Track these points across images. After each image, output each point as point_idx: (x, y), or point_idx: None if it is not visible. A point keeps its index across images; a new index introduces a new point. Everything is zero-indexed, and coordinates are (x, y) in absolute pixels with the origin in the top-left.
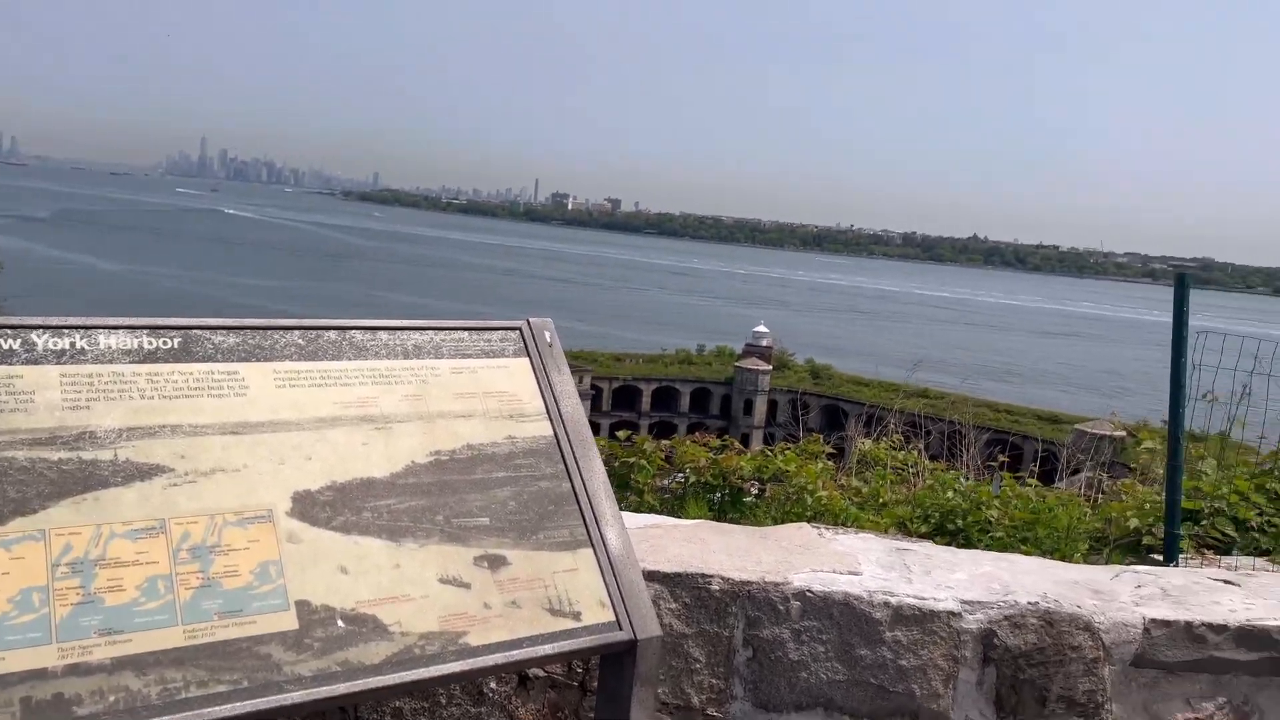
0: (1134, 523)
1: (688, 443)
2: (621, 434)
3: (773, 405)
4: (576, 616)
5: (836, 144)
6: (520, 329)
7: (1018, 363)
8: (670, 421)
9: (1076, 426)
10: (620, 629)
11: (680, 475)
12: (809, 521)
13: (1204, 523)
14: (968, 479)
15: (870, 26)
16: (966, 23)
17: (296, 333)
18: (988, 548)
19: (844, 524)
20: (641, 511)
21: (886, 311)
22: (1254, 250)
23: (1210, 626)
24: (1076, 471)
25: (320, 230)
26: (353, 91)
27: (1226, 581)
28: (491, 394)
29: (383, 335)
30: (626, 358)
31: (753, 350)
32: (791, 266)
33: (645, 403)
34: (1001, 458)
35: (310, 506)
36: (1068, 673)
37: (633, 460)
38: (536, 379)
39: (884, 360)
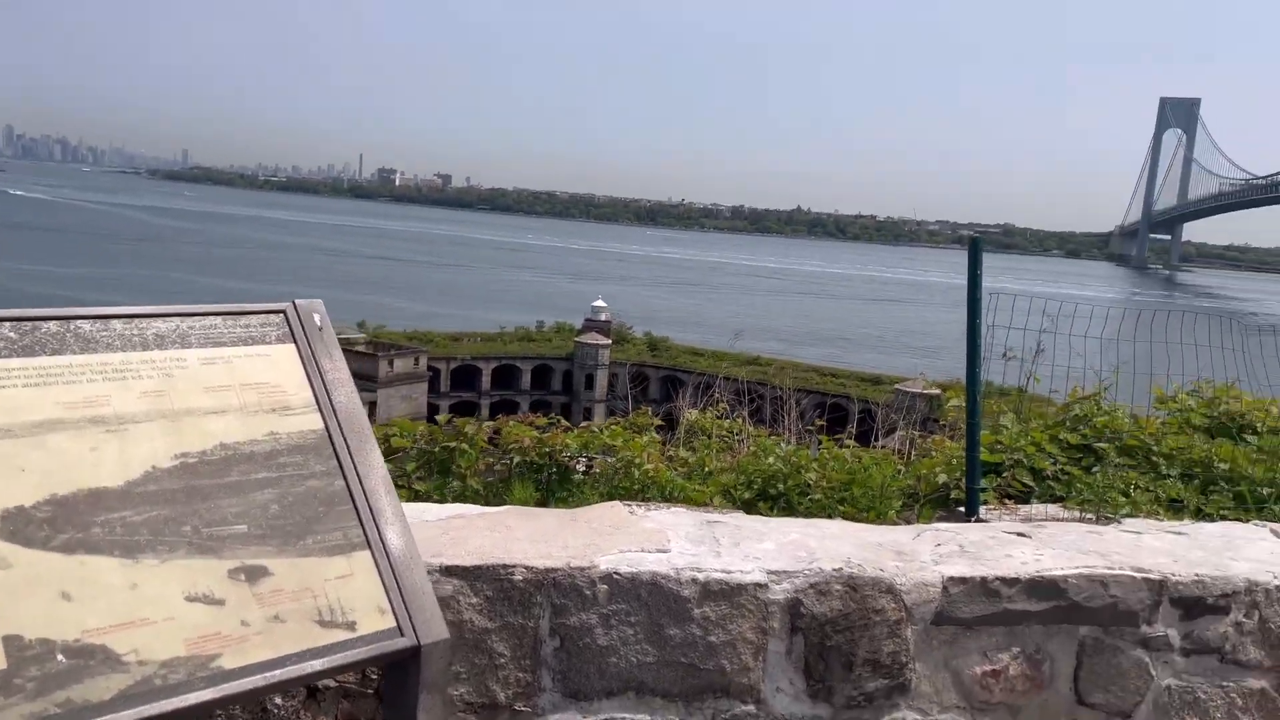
0: (942, 478)
1: (512, 422)
2: (442, 418)
3: (613, 379)
4: (351, 626)
5: (666, 120)
6: (285, 311)
7: (841, 328)
8: (512, 399)
9: (896, 386)
10: (401, 635)
11: (506, 457)
12: (635, 496)
13: (1005, 474)
14: (789, 444)
15: (689, 5)
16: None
17: (7, 325)
18: (807, 510)
19: (671, 495)
20: (465, 498)
21: (719, 283)
22: (1049, 216)
23: (1004, 580)
24: (893, 430)
25: (123, 211)
26: (156, 65)
27: (1019, 534)
28: (250, 385)
29: (116, 325)
30: (464, 337)
31: (592, 325)
32: (626, 241)
33: (485, 382)
34: (819, 421)
35: (24, 525)
36: (872, 636)
37: (454, 445)
38: (304, 367)
39: (718, 330)
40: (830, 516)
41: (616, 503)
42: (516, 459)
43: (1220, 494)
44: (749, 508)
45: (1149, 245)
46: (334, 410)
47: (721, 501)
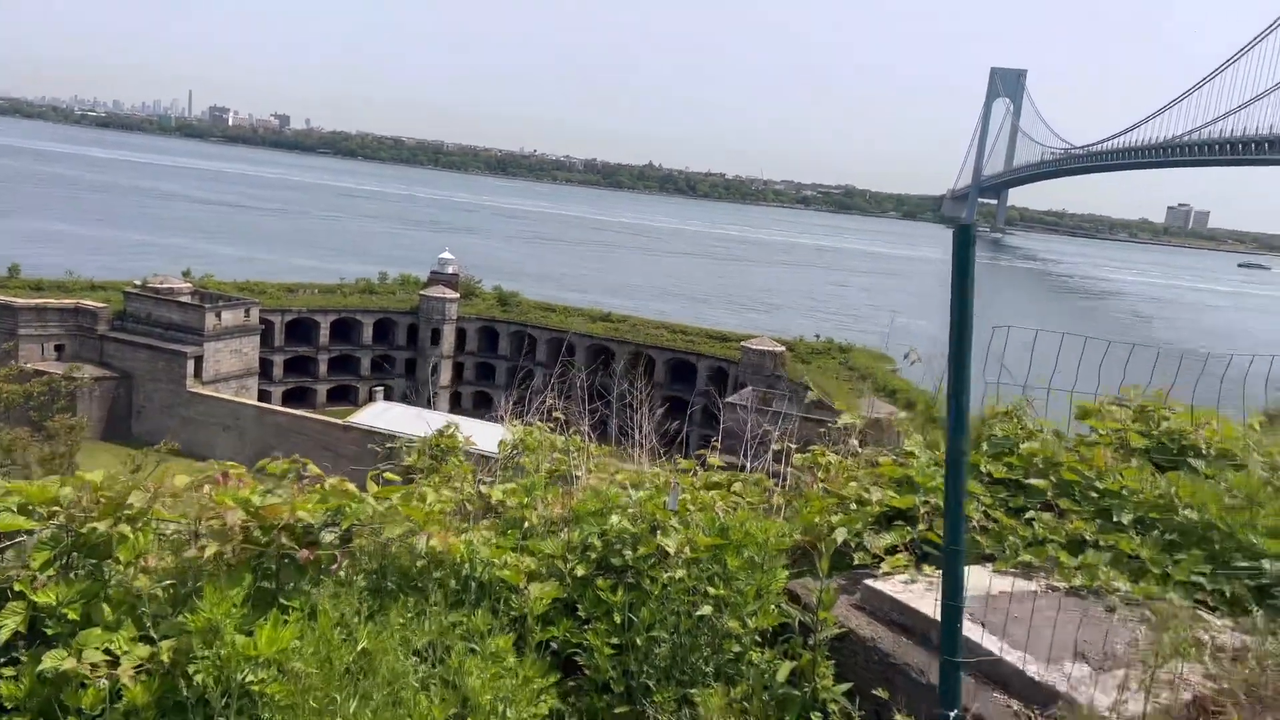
0: (841, 534)
1: (209, 487)
2: (102, 473)
3: (461, 334)
4: None
5: (518, 71)
6: None
7: (690, 285)
8: (352, 355)
9: (743, 344)
10: None
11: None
12: (413, 584)
13: (920, 526)
14: (640, 467)
15: None
16: None
17: None
18: (665, 588)
19: (471, 575)
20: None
21: (571, 237)
22: (887, 179)
23: None
24: (744, 386)
25: None
26: None
27: None
28: None
29: None
30: (300, 288)
31: (438, 278)
32: (476, 191)
33: (324, 336)
34: (685, 462)
35: None
36: None
37: (105, 529)
38: None
39: (570, 285)
40: (696, 606)
41: None
42: (212, 549)
43: (1187, 554)
44: (585, 586)
45: (977, 209)
46: None
47: (540, 589)
